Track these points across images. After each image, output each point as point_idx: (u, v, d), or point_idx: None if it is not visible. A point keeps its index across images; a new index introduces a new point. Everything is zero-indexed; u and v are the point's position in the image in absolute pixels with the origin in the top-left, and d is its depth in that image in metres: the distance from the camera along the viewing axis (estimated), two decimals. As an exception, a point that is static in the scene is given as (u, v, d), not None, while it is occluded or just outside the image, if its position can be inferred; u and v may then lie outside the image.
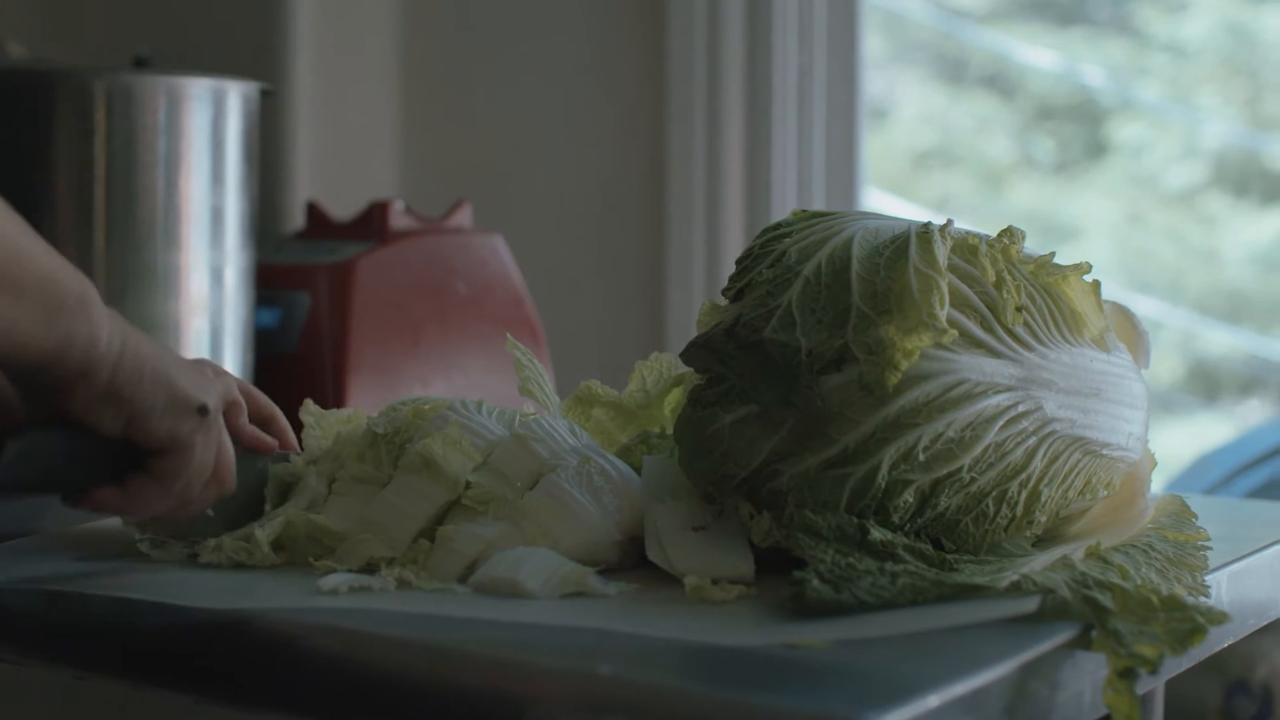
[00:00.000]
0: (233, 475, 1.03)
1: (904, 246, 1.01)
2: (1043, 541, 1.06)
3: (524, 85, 2.09)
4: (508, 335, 1.12)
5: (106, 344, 0.93)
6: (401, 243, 1.50)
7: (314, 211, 1.58)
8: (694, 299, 2.02)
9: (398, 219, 1.52)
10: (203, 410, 0.98)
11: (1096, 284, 1.08)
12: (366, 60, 1.95)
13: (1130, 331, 1.12)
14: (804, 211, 1.09)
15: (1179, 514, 1.09)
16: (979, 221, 3.26)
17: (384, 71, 1.98)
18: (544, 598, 0.95)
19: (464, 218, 1.58)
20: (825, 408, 0.98)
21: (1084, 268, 1.07)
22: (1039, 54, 3.56)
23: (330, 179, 1.84)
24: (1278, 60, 3.48)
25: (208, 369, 1.03)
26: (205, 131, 1.34)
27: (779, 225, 1.08)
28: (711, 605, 0.94)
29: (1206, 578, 1.02)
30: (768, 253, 1.05)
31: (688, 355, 1.03)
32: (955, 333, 0.99)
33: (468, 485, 1.02)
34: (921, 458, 0.98)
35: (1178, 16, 3.54)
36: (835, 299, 1.00)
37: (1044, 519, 1.04)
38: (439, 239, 1.53)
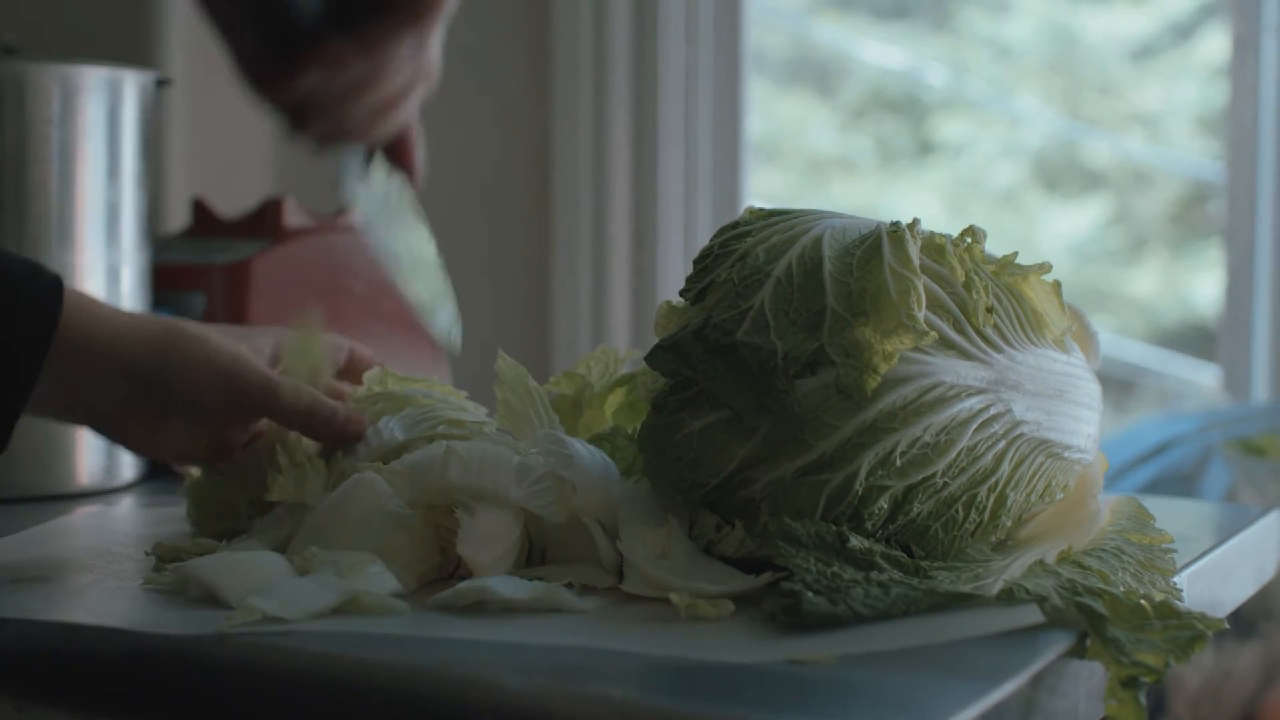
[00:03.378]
0: None
1: (876, 246, 0.98)
2: (999, 545, 1.04)
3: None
4: (499, 352, 1.08)
5: None
6: (297, 241, 1.44)
7: (200, 209, 1.51)
8: (580, 294, 1.98)
9: (292, 216, 1.46)
10: None
11: (1057, 284, 1.06)
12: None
13: (1081, 331, 1.11)
14: (760, 210, 1.06)
15: (1137, 516, 1.08)
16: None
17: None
18: (520, 610, 0.91)
19: (357, 215, 1.51)
20: (801, 413, 0.95)
21: (1045, 268, 1.06)
22: (863, 48, 3.58)
23: (205, 174, 1.77)
24: (1098, 60, 3.55)
25: None
26: (101, 124, 1.27)
27: (736, 224, 1.05)
28: (698, 621, 0.90)
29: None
30: (729, 252, 1.02)
31: (654, 359, 0.99)
32: (935, 335, 0.96)
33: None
34: (898, 463, 0.96)
35: (1001, 16, 3.58)
36: (809, 300, 0.97)
37: (1009, 523, 1.02)
38: (335, 237, 1.47)
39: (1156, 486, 1.89)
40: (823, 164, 3.75)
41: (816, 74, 3.62)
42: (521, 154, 2.04)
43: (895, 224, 1.00)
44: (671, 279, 2.28)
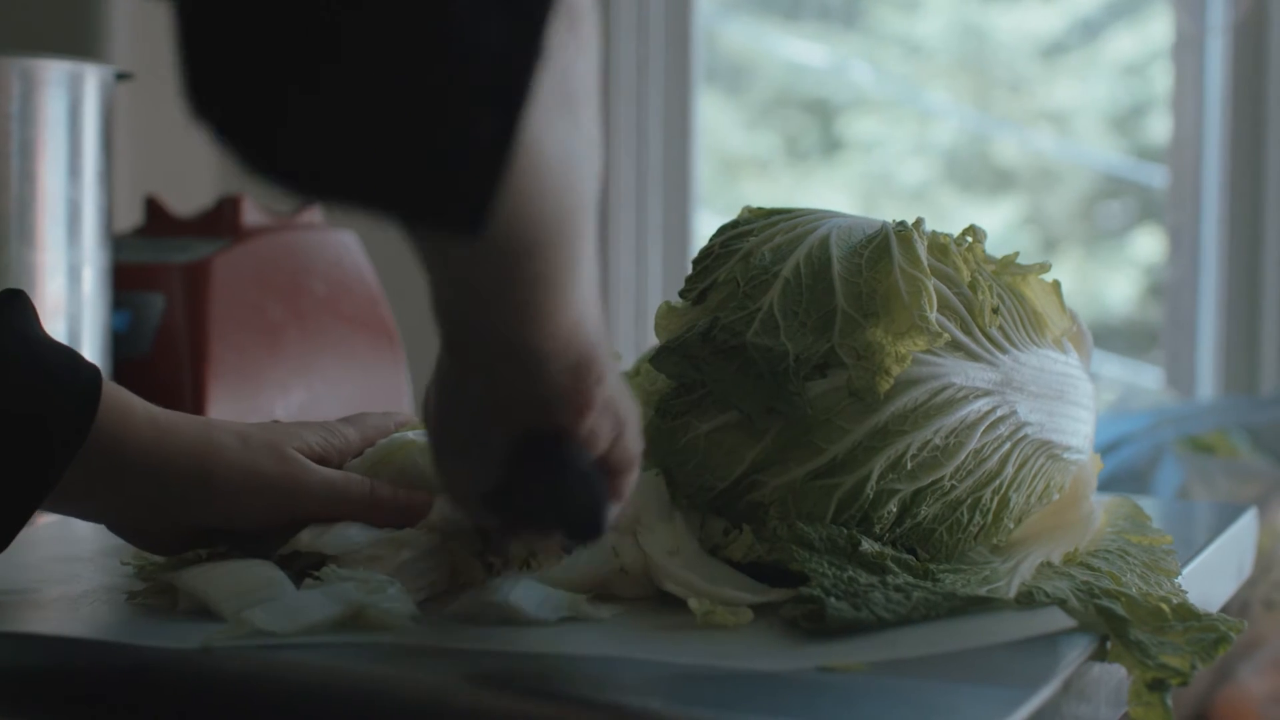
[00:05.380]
0: None
1: (885, 246, 0.97)
2: (994, 546, 1.03)
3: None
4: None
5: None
6: (256, 240, 1.40)
7: (153, 206, 1.47)
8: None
9: (251, 214, 1.42)
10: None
11: (1057, 284, 1.06)
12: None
13: (1075, 331, 1.11)
14: (758, 209, 1.05)
15: (1134, 516, 1.07)
16: (716, 215, 3.24)
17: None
18: (542, 620, 0.89)
19: (315, 213, 1.48)
20: (812, 415, 0.94)
21: (1044, 267, 1.05)
22: (772, 46, 3.58)
23: (151, 171, 1.72)
24: (1008, 58, 3.57)
25: None
26: (62, 119, 1.23)
27: (736, 224, 1.03)
28: (718, 629, 0.88)
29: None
30: (731, 252, 1.00)
31: (659, 361, 0.97)
32: (947, 336, 0.95)
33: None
34: (909, 466, 0.95)
35: (911, 14, 3.59)
36: (818, 301, 0.95)
37: (1012, 525, 1.02)
38: (294, 235, 1.43)
39: (1109, 484, 1.90)
40: (732, 162, 3.74)
41: (725, 72, 3.61)
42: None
43: (901, 223, 0.99)
44: (624, 279, 2.26)
